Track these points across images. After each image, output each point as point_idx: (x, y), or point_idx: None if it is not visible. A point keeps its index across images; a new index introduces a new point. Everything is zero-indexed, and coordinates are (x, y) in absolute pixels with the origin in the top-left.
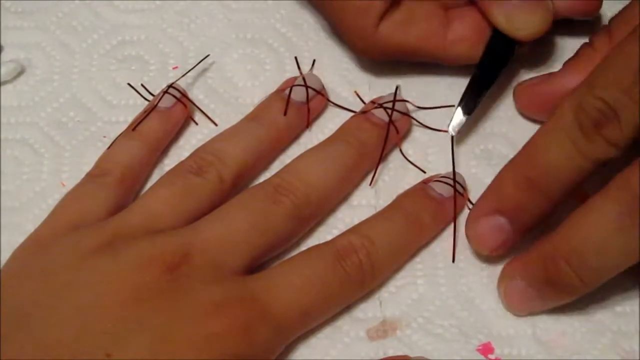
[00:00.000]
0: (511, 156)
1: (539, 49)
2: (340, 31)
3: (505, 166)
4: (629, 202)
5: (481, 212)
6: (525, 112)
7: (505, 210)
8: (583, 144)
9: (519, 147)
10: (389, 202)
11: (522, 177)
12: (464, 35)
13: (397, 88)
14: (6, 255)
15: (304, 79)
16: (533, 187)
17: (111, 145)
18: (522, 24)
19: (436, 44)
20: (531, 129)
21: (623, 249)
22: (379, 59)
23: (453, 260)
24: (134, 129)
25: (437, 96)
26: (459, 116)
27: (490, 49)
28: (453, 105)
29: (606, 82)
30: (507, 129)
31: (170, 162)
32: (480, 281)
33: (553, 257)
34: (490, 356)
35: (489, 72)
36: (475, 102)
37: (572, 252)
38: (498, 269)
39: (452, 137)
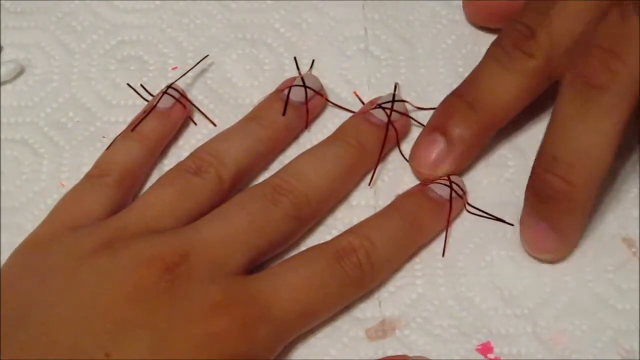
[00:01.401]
0: (510, 156)
1: None
2: None
3: (449, 95)
4: (575, 84)
5: (422, 133)
6: (472, 22)
7: (440, 128)
8: (505, 60)
9: (518, 146)
10: (388, 203)
11: (461, 100)
12: None
13: (395, 86)
14: (5, 256)
15: (302, 79)
16: (470, 108)
17: (110, 145)
18: None
19: None
20: (529, 129)
21: (589, 127)
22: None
23: (443, 255)
24: (133, 129)
25: (436, 96)
26: None
27: None
28: None
29: (525, 10)
30: (505, 129)
31: (169, 162)
32: (479, 280)
33: (535, 174)
34: (490, 355)
35: None
36: None
37: (549, 159)
38: (497, 268)
39: None
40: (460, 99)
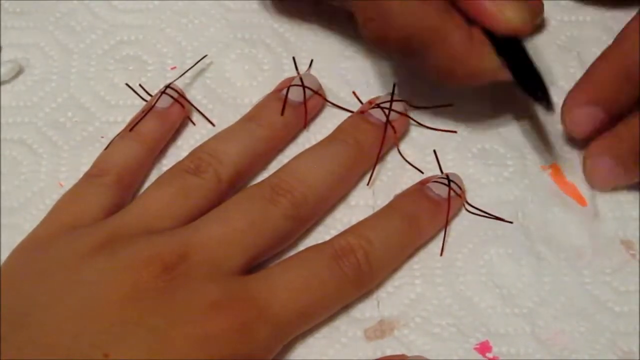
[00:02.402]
0: (509, 155)
1: None
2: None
3: (598, 59)
4: None
5: (576, 101)
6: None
7: (599, 100)
8: None
9: (516, 146)
10: (386, 202)
11: (617, 67)
12: (484, 40)
13: (394, 86)
14: (4, 255)
15: (301, 79)
16: (627, 76)
17: (109, 145)
18: (514, 15)
19: (466, 42)
20: (527, 130)
21: None
22: (396, 47)
23: (441, 254)
24: (131, 129)
25: (435, 96)
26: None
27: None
28: (450, 105)
29: None
30: (504, 129)
31: (168, 162)
32: (478, 279)
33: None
34: (488, 355)
35: (526, 65)
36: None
37: None
38: (496, 267)
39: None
40: (617, 65)
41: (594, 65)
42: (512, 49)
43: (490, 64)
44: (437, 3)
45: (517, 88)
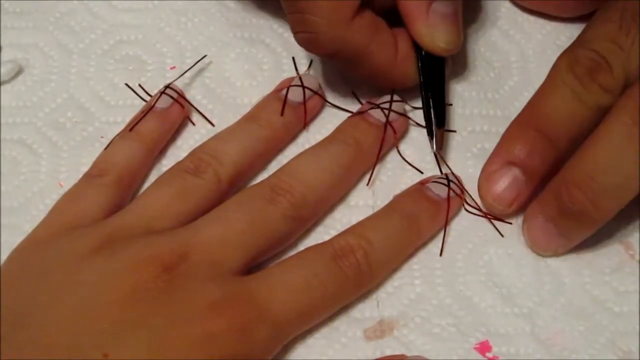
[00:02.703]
0: None
1: None
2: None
3: (512, 122)
4: (633, 114)
5: (493, 166)
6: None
7: (517, 162)
8: (581, 92)
9: None
10: (386, 203)
11: (530, 128)
12: (409, 53)
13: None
14: (4, 256)
15: (301, 79)
16: (541, 136)
17: (108, 145)
18: (443, 39)
19: (390, 58)
20: None
21: (633, 160)
22: (326, 56)
23: (441, 254)
24: (131, 130)
25: None
26: (435, 136)
27: (426, 67)
28: (450, 105)
29: (595, 35)
30: (504, 128)
31: (167, 162)
32: (477, 279)
33: (565, 186)
34: (488, 354)
35: (437, 88)
36: (442, 115)
37: (582, 177)
38: (496, 267)
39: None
40: (531, 127)
41: (508, 129)
42: (434, 65)
43: (411, 78)
44: (365, 22)
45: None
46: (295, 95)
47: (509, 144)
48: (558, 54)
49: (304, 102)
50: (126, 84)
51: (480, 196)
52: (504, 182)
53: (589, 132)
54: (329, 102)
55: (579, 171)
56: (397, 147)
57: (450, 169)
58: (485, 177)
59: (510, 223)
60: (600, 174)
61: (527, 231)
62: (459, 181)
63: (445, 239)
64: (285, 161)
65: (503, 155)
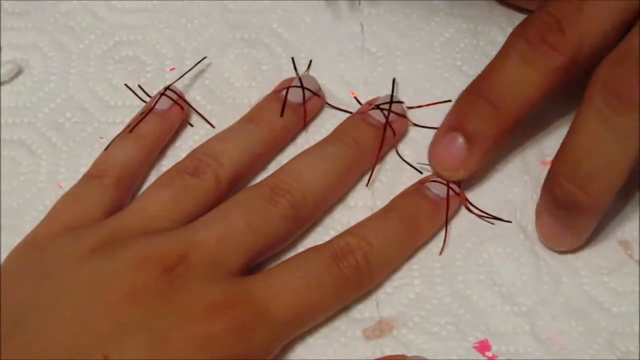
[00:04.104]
0: (509, 149)
1: None
2: None
3: (463, 91)
4: (605, 98)
5: (438, 133)
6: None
7: (462, 129)
8: (529, 54)
9: (515, 144)
10: (385, 203)
11: (476, 95)
12: None
13: (393, 81)
14: (4, 256)
15: (300, 80)
16: (485, 102)
17: (108, 146)
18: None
19: None
20: (526, 126)
21: (614, 141)
22: None
23: (440, 253)
24: (131, 131)
25: (434, 91)
26: None
27: None
28: (449, 101)
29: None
30: None
31: (167, 163)
32: (477, 278)
33: (555, 179)
34: (488, 353)
35: None
36: None
37: (568, 167)
38: (495, 265)
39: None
40: (478, 95)
41: (458, 98)
42: None
43: None
44: None
45: None
46: (295, 96)
47: (454, 112)
48: None
49: (304, 102)
50: (126, 85)
51: (429, 163)
52: (447, 148)
53: (544, 97)
54: (329, 103)
55: (564, 162)
56: (396, 148)
57: None
58: (431, 144)
59: (510, 222)
60: (584, 161)
61: (538, 230)
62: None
63: (446, 238)
64: (284, 161)
65: (447, 122)
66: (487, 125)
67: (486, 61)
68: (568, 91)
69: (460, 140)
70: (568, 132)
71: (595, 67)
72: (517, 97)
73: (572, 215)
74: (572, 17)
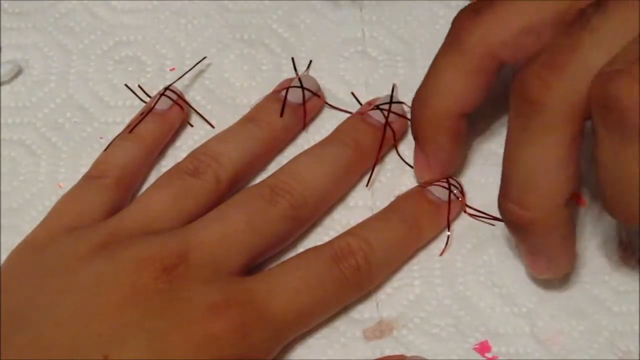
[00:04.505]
0: None
1: None
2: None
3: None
4: (518, 104)
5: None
6: None
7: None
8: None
9: None
10: (385, 204)
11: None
12: None
13: (393, 87)
14: (3, 257)
15: (300, 80)
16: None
17: (108, 147)
18: None
19: None
20: None
21: (533, 147)
22: None
23: (441, 254)
24: (130, 131)
25: None
26: None
27: None
28: None
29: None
30: (504, 129)
31: (167, 163)
32: (477, 279)
33: (499, 203)
34: (487, 355)
35: None
36: None
37: (505, 186)
38: (495, 266)
39: None
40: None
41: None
42: None
43: None
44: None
45: None
46: (295, 96)
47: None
48: None
49: (304, 103)
50: (125, 85)
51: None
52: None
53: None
54: (328, 103)
55: (502, 182)
56: (396, 148)
57: None
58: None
59: None
60: (513, 175)
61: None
62: (459, 184)
63: (449, 241)
64: (284, 162)
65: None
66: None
67: None
68: None
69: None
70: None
71: None
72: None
73: (527, 235)
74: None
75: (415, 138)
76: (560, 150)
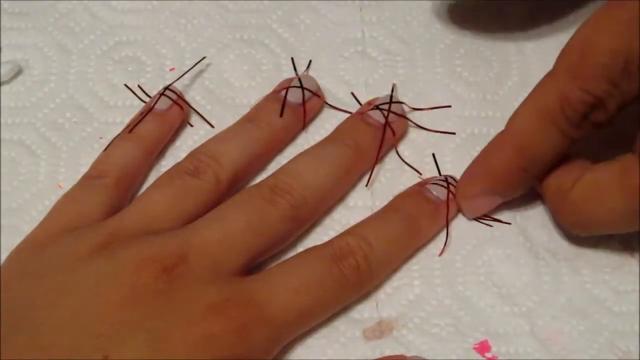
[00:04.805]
0: None
1: None
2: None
3: (495, 151)
4: None
5: (475, 191)
6: None
7: (496, 190)
8: (570, 131)
9: None
10: (385, 204)
11: (514, 165)
12: None
13: (393, 87)
14: (3, 257)
15: (300, 80)
16: (522, 171)
17: (108, 146)
18: None
19: None
20: None
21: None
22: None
23: (440, 254)
24: (130, 131)
25: (434, 97)
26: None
27: None
28: (449, 106)
29: (592, 73)
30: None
31: (166, 163)
32: (477, 279)
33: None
34: (487, 354)
35: None
36: None
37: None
38: (495, 266)
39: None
40: (514, 164)
41: (490, 157)
42: None
43: None
44: None
45: None
46: (295, 96)
47: (493, 174)
48: (557, 51)
49: (303, 103)
50: (125, 85)
51: (459, 206)
52: (484, 205)
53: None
54: (328, 103)
55: None
56: (396, 148)
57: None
58: (467, 196)
59: (509, 223)
60: None
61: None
62: (457, 182)
63: (447, 240)
64: (284, 162)
65: (486, 183)
66: (520, 187)
67: (486, 67)
68: None
69: (497, 199)
70: None
71: None
72: (549, 162)
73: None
74: (615, 96)
75: (490, 185)
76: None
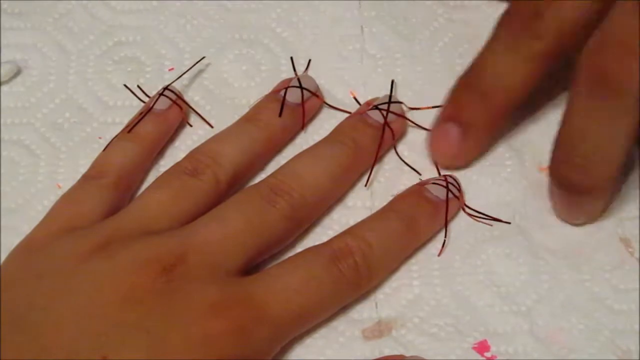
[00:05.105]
0: (507, 156)
1: None
2: None
3: (456, 82)
4: (591, 83)
5: (437, 123)
6: None
7: (457, 119)
8: (511, 43)
9: (514, 146)
10: (384, 204)
11: (471, 88)
12: None
13: (392, 83)
14: (2, 257)
15: (299, 80)
16: (480, 95)
17: (107, 147)
18: None
19: None
20: (525, 128)
21: (604, 124)
22: None
23: (439, 254)
24: (129, 131)
25: (433, 94)
26: None
27: None
28: None
29: None
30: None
31: (166, 163)
32: (476, 279)
33: (556, 165)
34: (487, 354)
35: None
36: None
37: (567, 154)
38: (494, 266)
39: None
40: (469, 86)
41: (454, 90)
42: None
43: None
44: None
45: None
46: (294, 96)
47: (449, 103)
48: None
49: (302, 103)
50: (125, 85)
51: (429, 154)
52: (444, 137)
53: (531, 85)
54: (327, 103)
55: (561, 149)
56: (395, 148)
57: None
58: (430, 134)
59: (509, 223)
60: (578, 146)
61: (553, 208)
62: (457, 183)
63: (446, 240)
64: (283, 162)
65: (443, 112)
66: (479, 114)
67: None
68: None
69: (456, 129)
70: (562, 119)
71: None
72: (505, 86)
73: (577, 197)
74: (549, 3)
75: (459, 122)
76: (631, 130)
